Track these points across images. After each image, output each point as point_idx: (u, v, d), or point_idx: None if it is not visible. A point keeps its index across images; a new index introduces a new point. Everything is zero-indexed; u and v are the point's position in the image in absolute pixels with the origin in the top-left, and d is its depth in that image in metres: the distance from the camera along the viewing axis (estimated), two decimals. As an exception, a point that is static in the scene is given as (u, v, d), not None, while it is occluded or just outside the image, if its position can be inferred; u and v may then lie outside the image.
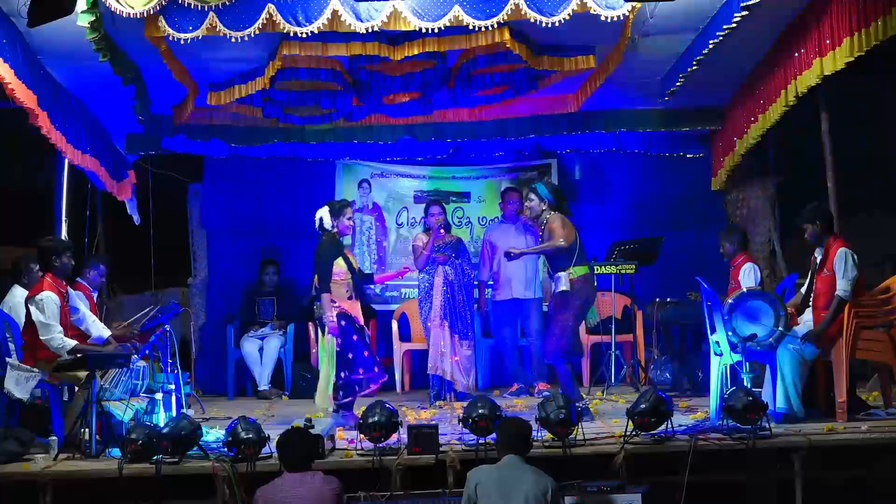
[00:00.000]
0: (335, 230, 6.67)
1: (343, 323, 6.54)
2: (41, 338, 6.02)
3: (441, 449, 5.44)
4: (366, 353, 6.61)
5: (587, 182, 9.44)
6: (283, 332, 8.79)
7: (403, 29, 6.20)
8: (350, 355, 6.54)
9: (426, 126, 8.87)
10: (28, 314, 6.10)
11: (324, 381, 6.59)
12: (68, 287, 6.40)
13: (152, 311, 7.29)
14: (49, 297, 6.04)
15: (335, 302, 6.54)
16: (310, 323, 8.81)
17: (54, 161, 8.15)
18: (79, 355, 6.02)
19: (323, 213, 6.68)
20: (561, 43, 6.99)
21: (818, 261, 6.26)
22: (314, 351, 8.73)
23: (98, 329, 6.59)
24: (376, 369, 6.64)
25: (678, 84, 7.42)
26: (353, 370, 6.54)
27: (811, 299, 6.30)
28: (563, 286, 6.69)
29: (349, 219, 6.73)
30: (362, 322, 6.73)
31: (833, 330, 6.05)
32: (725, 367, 6.24)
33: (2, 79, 5.84)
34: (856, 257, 6.04)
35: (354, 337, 6.58)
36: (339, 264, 6.62)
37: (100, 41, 6.03)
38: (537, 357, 8.01)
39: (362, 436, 5.45)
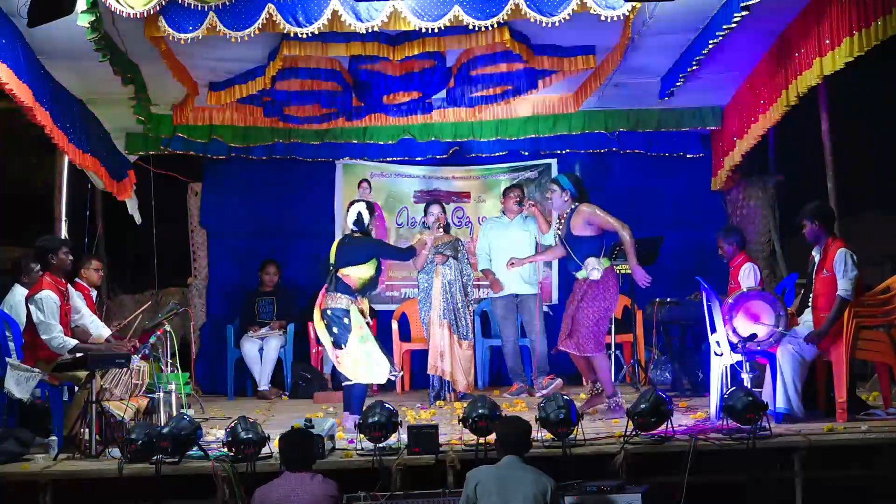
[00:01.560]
0: (371, 228, 6.76)
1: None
2: (42, 337, 6.02)
3: (441, 449, 5.45)
4: None
5: (587, 182, 9.30)
6: (283, 332, 8.79)
7: (403, 29, 6.20)
8: None
9: (426, 126, 8.89)
10: (28, 314, 6.10)
11: (378, 353, 6.51)
12: (68, 286, 6.39)
13: (145, 316, 7.36)
14: (48, 297, 6.04)
15: None
16: (309, 323, 8.83)
17: (54, 161, 8.15)
18: (79, 355, 6.03)
19: (362, 210, 6.70)
20: (561, 43, 6.99)
21: (816, 260, 6.26)
22: (314, 351, 8.77)
23: (98, 329, 6.59)
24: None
25: (678, 84, 7.42)
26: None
27: (810, 299, 6.30)
28: (596, 274, 6.49)
29: (378, 217, 6.85)
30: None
31: (833, 330, 6.04)
32: (725, 367, 6.25)
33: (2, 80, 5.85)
34: (855, 257, 6.04)
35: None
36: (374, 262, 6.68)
37: (100, 41, 6.04)
38: (535, 355, 8.01)
39: (362, 436, 5.45)
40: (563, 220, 6.78)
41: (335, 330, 6.48)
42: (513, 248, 8.01)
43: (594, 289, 6.55)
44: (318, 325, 6.59)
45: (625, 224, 6.55)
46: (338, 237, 9.31)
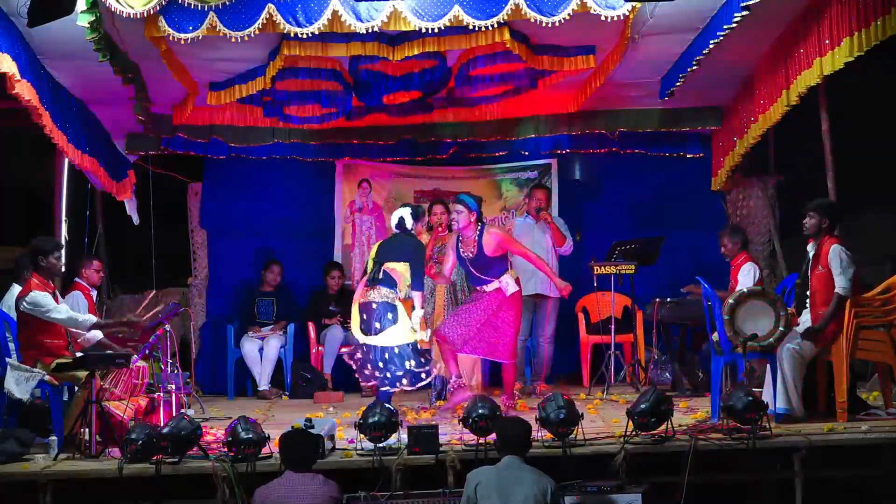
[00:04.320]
0: (414, 231, 7.03)
1: None
2: (56, 321, 6.03)
3: (441, 449, 5.44)
4: None
5: (587, 182, 9.43)
6: (283, 332, 8.79)
7: (403, 29, 6.20)
8: None
9: (426, 126, 8.88)
10: (22, 315, 6.08)
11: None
12: (56, 289, 6.35)
13: (159, 309, 7.35)
14: (40, 294, 6.00)
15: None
16: (309, 323, 8.84)
17: (54, 161, 8.15)
18: (100, 333, 6.30)
19: (404, 214, 6.95)
20: (561, 43, 6.99)
21: (810, 257, 6.26)
22: (314, 351, 8.78)
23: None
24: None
25: (678, 84, 7.42)
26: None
27: (807, 297, 6.29)
28: (514, 287, 6.90)
29: (423, 225, 7.28)
30: None
31: (833, 329, 6.05)
32: (725, 367, 6.24)
33: (10, 76, 5.84)
34: (849, 253, 6.04)
35: None
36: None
37: (100, 41, 6.04)
38: (536, 357, 8.00)
39: (362, 436, 5.45)
40: (475, 241, 6.90)
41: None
42: (534, 249, 7.98)
43: (510, 299, 6.89)
44: (355, 320, 6.80)
45: (532, 255, 7.01)
46: (338, 237, 9.42)
